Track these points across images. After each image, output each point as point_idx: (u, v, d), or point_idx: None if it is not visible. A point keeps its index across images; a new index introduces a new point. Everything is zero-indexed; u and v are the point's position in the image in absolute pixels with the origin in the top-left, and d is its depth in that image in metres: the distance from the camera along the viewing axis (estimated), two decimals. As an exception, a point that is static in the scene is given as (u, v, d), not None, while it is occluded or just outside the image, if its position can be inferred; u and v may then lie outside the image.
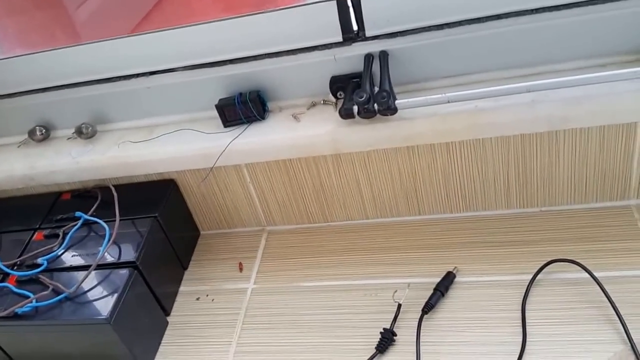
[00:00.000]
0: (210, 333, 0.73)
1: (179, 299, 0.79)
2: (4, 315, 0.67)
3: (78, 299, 0.68)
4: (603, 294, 0.62)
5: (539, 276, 0.67)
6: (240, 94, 0.75)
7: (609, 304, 0.61)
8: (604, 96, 0.63)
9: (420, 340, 0.65)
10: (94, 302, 0.67)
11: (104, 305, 0.66)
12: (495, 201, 0.76)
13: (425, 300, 0.68)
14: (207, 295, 0.79)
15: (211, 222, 0.87)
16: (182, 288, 0.81)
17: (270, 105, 0.77)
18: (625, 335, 0.58)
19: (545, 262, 0.67)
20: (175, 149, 0.77)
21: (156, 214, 0.77)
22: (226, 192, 0.82)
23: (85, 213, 0.78)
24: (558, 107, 0.64)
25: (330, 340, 0.68)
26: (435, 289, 0.69)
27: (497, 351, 0.62)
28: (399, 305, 0.68)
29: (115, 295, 0.67)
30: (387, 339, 0.65)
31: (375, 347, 0.65)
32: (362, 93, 0.67)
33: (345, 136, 0.71)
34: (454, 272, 0.70)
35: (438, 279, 0.70)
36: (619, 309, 0.60)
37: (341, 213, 0.82)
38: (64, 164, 0.80)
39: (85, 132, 0.80)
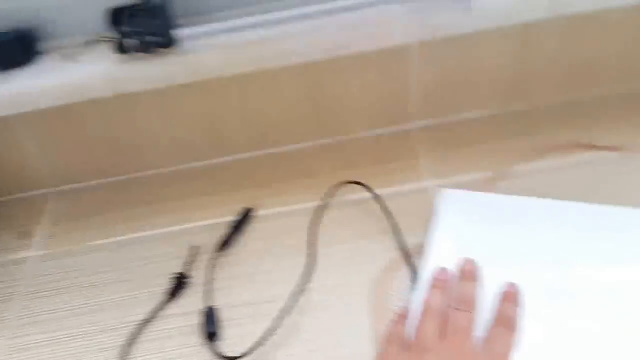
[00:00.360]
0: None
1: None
2: None
3: None
4: (381, 209, 0.65)
5: (330, 200, 0.68)
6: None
7: (387, 217, 0.64)
8: (377, 19, 0.65)
9: (214, 277, 0.63)
10: None
11: None
12: (299, 134, 0.76)
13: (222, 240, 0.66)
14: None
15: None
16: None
17: (40, 45, 0.69)
18: (401, 242, 0.62)
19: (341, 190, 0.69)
20: None
21: None
22: (6, 148, 0.73)
23: None
24: (338, 32, 0.65)
25: (121, 295, 0.64)
26: (231, 227, 0.68)
27: (287, 275, 0.62)
28: (192, 248, 0.66)
29: None
30: (180, 282, 0.63)
31: (167, 293, 0.63)
32: (139, 25, 0.62)
33: (125, 74, 0.66)
34: (252, 208, 0.70)
35: (237, 218, 0.69)
36: (395, 218, 0.64)
37: (137, 163, 0.77)
38: None
39: None
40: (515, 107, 0.76)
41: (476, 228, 0.57)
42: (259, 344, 0.56)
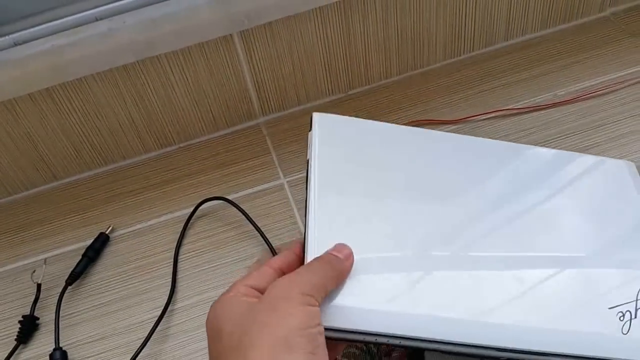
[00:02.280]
0: None
1: None
2: None
3: None
4: (241, 213, 0.64)
5: (190, 214, 0.66)
6: None
7: (248, 221, 0.63)
8: (181, 14, 0.62)
9: (63, 314, 0.59)
10: None
11: None
12: (131, 148, 0.73)
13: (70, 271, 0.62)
14: None
15: None
16: None
17: None
18: (266, 245, 0.61)
19: (199, 197, 0.66)
20: None
21: None
22: None
23: None
24: (138, 32, 0.62)
25: (-40, 349, 0.59)
26: (83, 255, 0.64)
27: (147, 298, 0.60)
28: (39, 285, 0.62)
29: None
30: (27, 326, 0.59)
31: (15, 339, 0.58)
32: None
33: None
34: (107, 231, 0.66)
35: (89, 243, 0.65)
36: (256, 222, 0.63)
37: None
38: None
39: None
40: (353, 90, 0.77)
41: (357, 155, 0.53)
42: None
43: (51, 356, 0.56)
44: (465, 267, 0.45)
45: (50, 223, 0.69)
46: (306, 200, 0.47)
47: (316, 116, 0.55)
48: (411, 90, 0.75)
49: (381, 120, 0.55)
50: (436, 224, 0.48)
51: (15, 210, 0.71)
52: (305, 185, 0.49)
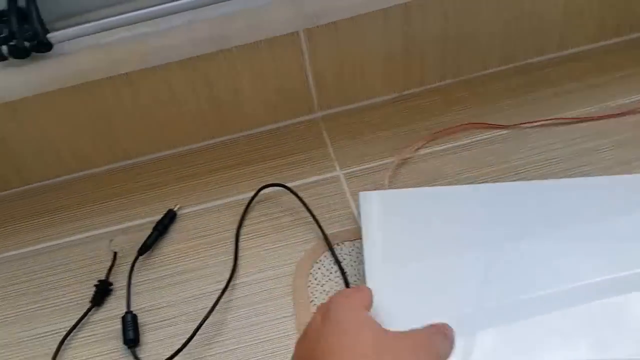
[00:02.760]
0: None
1: None
2: None
3: None
4: (298, 201, 0.69)
5: (250, 197, 0.72)
6: None
7: (305, 208, 0.68)
8: (255, 10, 0.67)
9: (134, 281, 0.65)
10: None
11: None
12: (198, 134, 0.79)
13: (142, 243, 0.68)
14: None
15: None
16: None
17: None
18: (320, 232, 0.66)
19: (258, 184, 0.71)
20: None
21: None
22: None
23: None
24: (216, 25, 0.67)
25: (40, 305, 0.65)
26: (153, 229, 0.70)
27: (210, 272, 0.65)
28: (115, 254, 0.68)
29: None
30: (102, 290, 0.65)
31: (90, 301, 0.64)
32: (4, 29, 0.63)
33: (2, 81, 0.66)
34: (175, 208, 0.72)
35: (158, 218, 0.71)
36: (312, 211, 0.68)
37: (30, 174, 0.78)
38: None
39: None
40: (410, 90, 0.81)
41: (404, 225, 0.60)
42: (182, 347, 0.58)
43: (123, 318, 0.61)
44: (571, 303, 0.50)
45: (126, 197, 0.75)
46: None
47: (362, 196, 0.63)
48: (465, 93, 0.79)
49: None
50: (509, 268, 0.54)
51: (97, 183, 0.78)
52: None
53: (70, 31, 0.65)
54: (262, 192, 0.72)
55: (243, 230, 0.69)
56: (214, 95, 0.75)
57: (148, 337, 0.61)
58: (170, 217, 0.71)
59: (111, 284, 0.66)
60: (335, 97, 0.80)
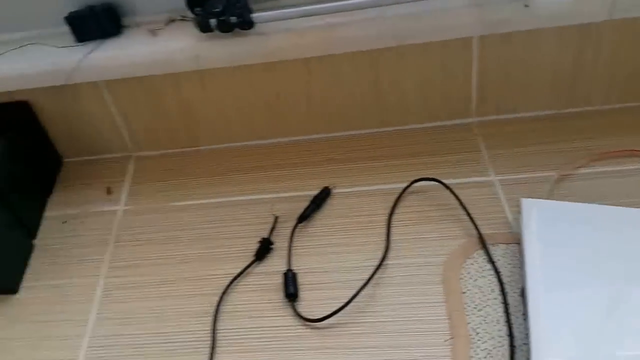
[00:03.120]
0: (81, 252, 0.74)
1: (45, 223, 0.78)
2: None
3: None
4: (454, 197, 0.73)
5: (403, 186, 0.76)
6: (92, 6, 0.73)
7: (459, 206, 0.72)
8: (440, 11, 0.72)
9: (293, 245, 0.71)
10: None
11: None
12: (355, 121, 0.84)
13: (301, 212, 0.74)
14: (76, 219, 0.78)
15: (74, 148, 0.86)
16: (47, 213, 0.80)
17: (125, 20, 0.77)
18: (474, 230, 0.69)
19: (409, 176, 0.75)
20: (25, 65, 0.74)
21: (9, 138, 0.74)
22: (87, 115, 0.81)
23: None
24: (401, 22, 0.72)
25: (207, 251, 0.72)
26: (311, 202, 0.75)
27: (362, 249, 0.70)
28: (276, 217, 0.74)
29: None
30: (264, 247, 0.71)
31: (254, 255, 0.71)
32: (217, 4, 0.70)
33: (206, 51, 0.73)
34: (330, 187, 0.77)
35: (315, 194, 0.76)
36: (467, 209, 0.71)
37: (209, 136, 0.85)
38: None
39: None
40: (573, 109, 0.82)
41: (566, 237, 0.62)
42: (339, 310, 0.63)
43: (285, 274, 0.67)
44: None
45: (288, 170, 0.81)
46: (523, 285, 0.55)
47: (525, 202, 0.64)
48: (630, 120, 0.79)
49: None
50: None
51: (267, 154, 0.84)
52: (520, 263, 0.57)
53: (271, 14, 0.72)
54: (415, 184, 0.76)
55: (394, 217, 0.73)
56: (380, 88, 0.80)
57: (305, 296, 0.66)
58: (325, 194, 0.77)
59: (272, 243, 0.72)
60: (494, 105, 0.82)
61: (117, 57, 0.74)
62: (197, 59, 0.74)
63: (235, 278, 0.68)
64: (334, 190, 0.78)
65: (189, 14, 0.73)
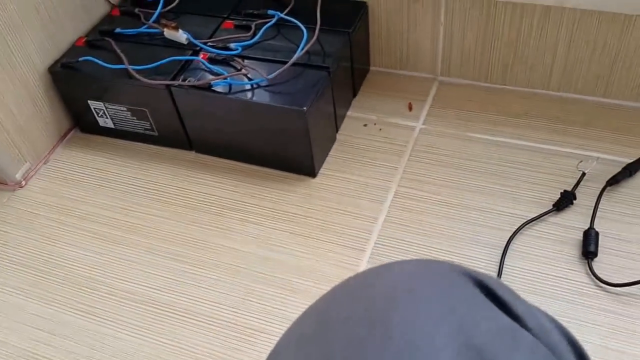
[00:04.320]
0: (376, 156, 0.78)
1: (347, 121, 0.84)
2: (199, 85, 0.73)
3: (273, 87, 0.73)
4: None
5: None
6: None
7: None
8: None
9: (599, 207, 0.68)
10: (291, 93, 0.72)
11: (302, 97, 0.71)
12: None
13: (612, 176, 0.70)
14: (375, 125, 0.83)
15: (385, 59, 0.90)
16: (350, 112, 0.85)
17: None
18: None
19: None
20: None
21: (350, 31, 0.80)
22: (413, 29, 0.84)
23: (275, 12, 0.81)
24: None
25: (501, 188, 0.72)
26: (625, 168, 0.71)
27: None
28: (583, 174, 0.71)
29: (314, 91, 0.72)
30: (566, 200, 0.69)
31: (553, 204, 0.69)
32: None
33: None
34: (643, 157, 0.72)
35: (629, 161, 0.72)
36: None
37: (523, 78, 0.84)
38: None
39: None
40: None
41: None
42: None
43: (586, 232, 0.65)
44: None
45: (595, 130, 0.77)
46: None
47: None
48: None
49: None
50: None
51: (589, 111, 0.80)
52: None
53: None
54: None
55: None
56: None
57: (603, 259, 0.64)
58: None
59: (575, 198, 0.69)
60: None
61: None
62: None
63: (531, 220, 0.68)
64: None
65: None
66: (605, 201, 0.69)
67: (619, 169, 0.71)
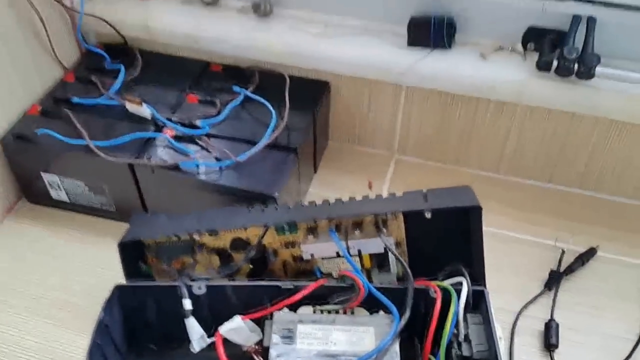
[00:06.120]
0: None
1: (308, 197, 0.85)
2: (166, 165, 0.73)
3: (241, 169, 0.73)
4: None
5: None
6: (434, 16, 0.79)
7: None
8: None
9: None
10: (261, 176, 0.73)
11: (272, 181, 0.72)
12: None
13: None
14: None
15: (342, 134, 0.93)
16: (311, 189, 0.87)
17: (458, 37, 0.81)
18: None
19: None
20: (353, 53, 0.81)
21: (315, 109, 0.82)
22: (375, 108, 0.88)
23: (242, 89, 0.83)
24: None
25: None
26: (578, 257, 0.77)
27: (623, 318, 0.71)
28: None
29: (284, 174, 0.73)
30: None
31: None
32: (573, 51, 0.73)
33: (534, 88, 0.76)
34: (595, 248, 0.78)
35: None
36: None
37: (475, 161, 0.89)
38: (237, 35, 0.84)
39: (262, 9, 0.84)
40: None
41: None
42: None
43: (547, 324, 0.70)
44: None
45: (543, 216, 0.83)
46: None
47: None
48: None
49: None
50: None
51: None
52: None
53: (614, 72, 0.74)
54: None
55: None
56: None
57: (563, 350, 0.68)
58: (591, 254, 0.77)
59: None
60: None
61: (445, 70, 0.79)
62: (520, 93, 0.78)
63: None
64: (600, 253, 0.78)
65: (518, 47, 0.77)
66: (562, 291, 0.74)
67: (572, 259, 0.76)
